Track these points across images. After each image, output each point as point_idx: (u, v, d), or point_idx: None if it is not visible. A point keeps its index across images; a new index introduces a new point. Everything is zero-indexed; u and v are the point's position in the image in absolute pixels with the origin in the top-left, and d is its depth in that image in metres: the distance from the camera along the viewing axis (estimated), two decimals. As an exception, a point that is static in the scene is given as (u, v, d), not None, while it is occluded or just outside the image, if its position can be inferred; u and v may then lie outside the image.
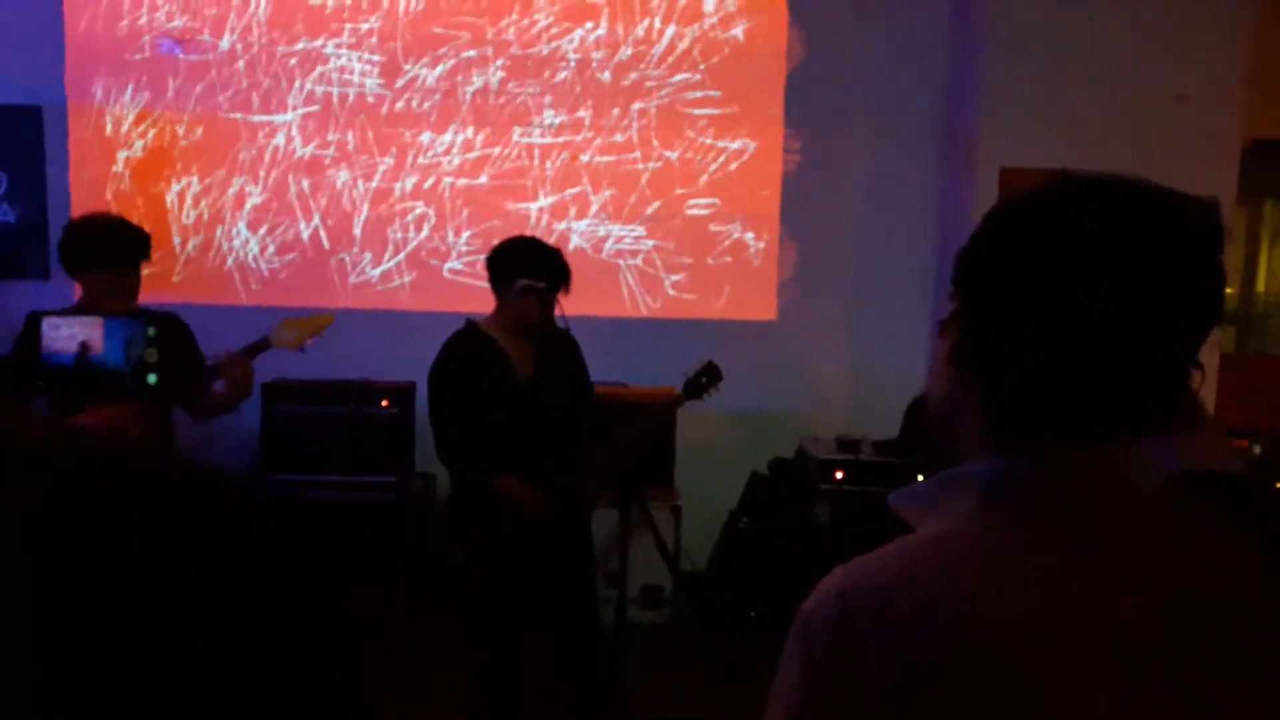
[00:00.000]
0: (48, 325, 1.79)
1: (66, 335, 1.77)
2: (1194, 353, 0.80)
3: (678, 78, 4.68)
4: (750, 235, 4.76)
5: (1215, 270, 0.79)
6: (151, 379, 1.80)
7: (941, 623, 0.74)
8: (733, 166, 4.72)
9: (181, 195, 4.73)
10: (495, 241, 3.11)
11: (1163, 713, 0.73)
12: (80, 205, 4.55)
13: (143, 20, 4.66)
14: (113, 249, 2.91)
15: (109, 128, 4.70)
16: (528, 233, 3.21)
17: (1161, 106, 4.21)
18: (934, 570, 0.77)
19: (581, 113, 4.69)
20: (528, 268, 2.98)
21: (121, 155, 4.71)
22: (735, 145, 4.71)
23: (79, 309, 2.97)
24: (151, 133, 4.71)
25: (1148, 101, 4.21)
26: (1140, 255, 0.77)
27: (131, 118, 4.70)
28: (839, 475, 4.22)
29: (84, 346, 1.76)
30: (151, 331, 1.80)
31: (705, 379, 3.13)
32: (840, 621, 0.77)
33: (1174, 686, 0.73)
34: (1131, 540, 0.78)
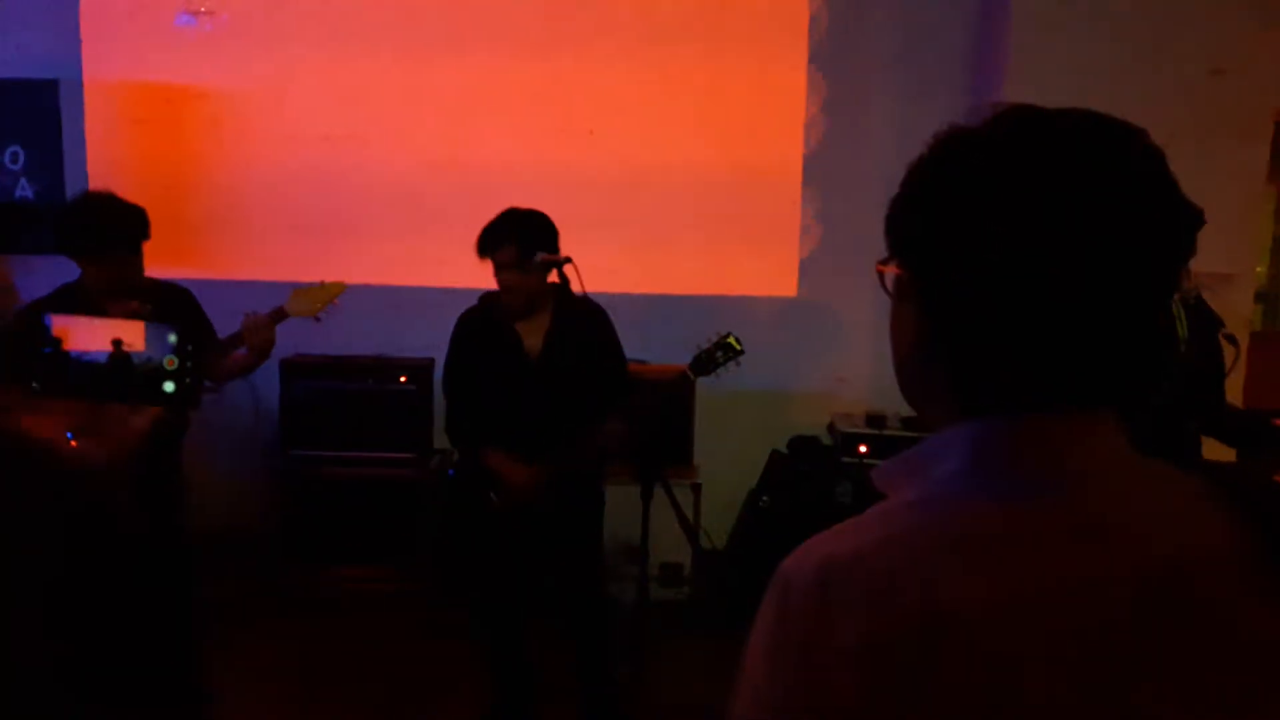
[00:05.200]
0: (78, 325, 1.78)
1: (100, 335, 1.76)
2: (1166, 303, 0.77)
3: (692, 40, 4.60)
4: (770, 208, 4.69)
5: (1179, 196, 0.76)
6: (169, 387, 1.78)
7: (912, 588, 0.72)
8: (753, 137, 4.65)
9: (197, 167, 4.70)
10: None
11: (1138, 684, 0.70)
12: (97, 179, 4.53)
13: (158, -8, 4.62)
14: (112, 238, 2.86)
15: (125, 100, 4.68)
16: (537, 205, 3.04)
17: (1193, 79, 4.11)
18: (909, 535, 0.75)
19: (590, 78, 4.62)
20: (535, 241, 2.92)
21: (138, 127, 4.69)
22: (756, 116, 4.63)
23: (79, 290, 2.94)
24: (167, 105, 4.68)
25: (1179, 74, 4.11)
26: (1113, 187, 0.74)
27: (147, 91, 4.67)
28: (863, 449, 4.20)
29: (117, 345, 1.74)
30: (172, 339, 1.78)
31: (721, 353, 2.98)
32: (817, 584, 0.75)
33: (1155, 658, 0.71)
34: (1117, 509, 0.75)
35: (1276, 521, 0.75)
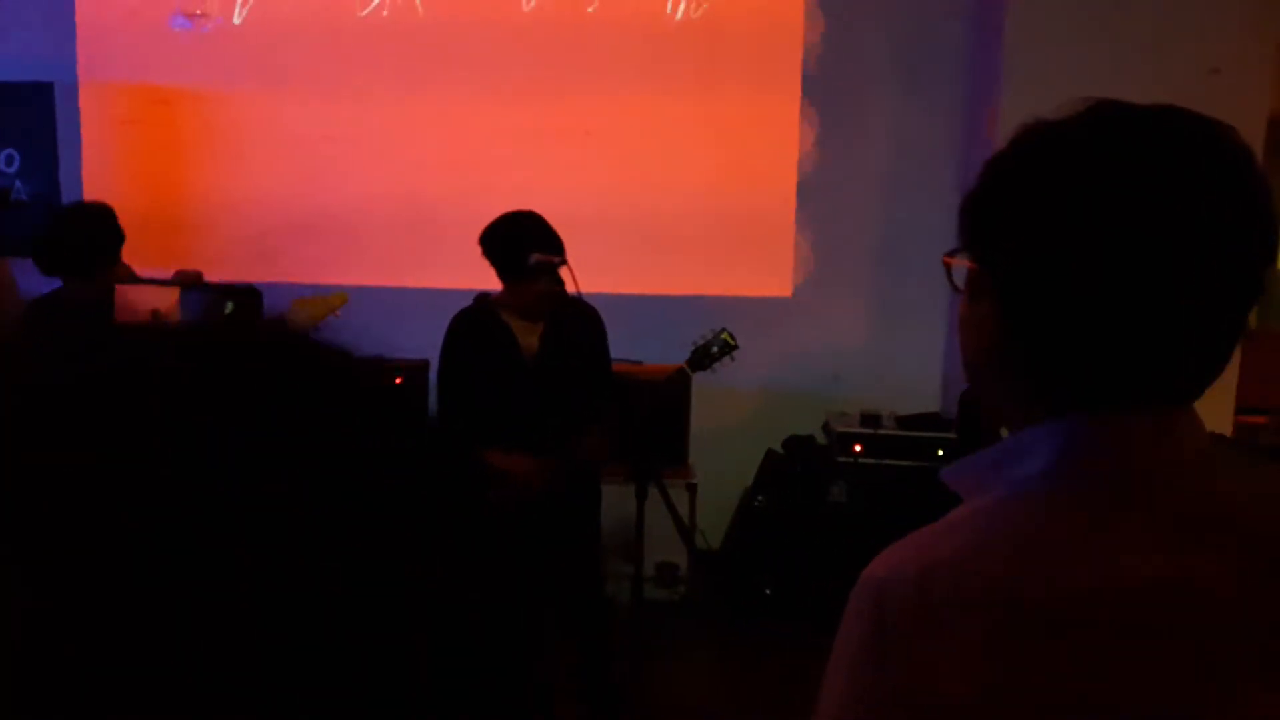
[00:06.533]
0: (131, 293, 1.75)
1: (139, 304, 1.73)
2: (1252, 303, 0.76)
3: (688, 44, 4.61)
4: (765, 209, 4.70)
5: (1267, 196, 0.75)
6: None
7: (1031, 583, 0.72)
8: (749, 137, 4.66)
9: (194, 171, 4.70)
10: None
11: (1244, 675, 0.71)
12: (92, 181, 4.53)
13: (153, -6, 4.62)
14: (95, 253, 2.79)
15: (121, 104, 4.68)
16: (534, 206, 3.06)
17: (1188, 80, 4.12)
18: (1015, 533, 0.75)
19: (587, 79, 4.63)
20: (537, 242, 2.91)
21: (133, 130, 4.69)
22: (749, 116, 4.64)
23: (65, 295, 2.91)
24: (163, 108, 4.68)
25: (1175, 74, 4.12)
26: (1203, 186, 0.73)
27: (143, 94, 4.67)
28: (858, 448, 4.21)
29: (156, 315, 1.72)
30: (229, 307, 1.77)
31: (717, 348, 3.01)
32: (918, 589, 0.74)
33: (1257, 648, 0.72)
34: (1214, 500, 0.76)
35: None
